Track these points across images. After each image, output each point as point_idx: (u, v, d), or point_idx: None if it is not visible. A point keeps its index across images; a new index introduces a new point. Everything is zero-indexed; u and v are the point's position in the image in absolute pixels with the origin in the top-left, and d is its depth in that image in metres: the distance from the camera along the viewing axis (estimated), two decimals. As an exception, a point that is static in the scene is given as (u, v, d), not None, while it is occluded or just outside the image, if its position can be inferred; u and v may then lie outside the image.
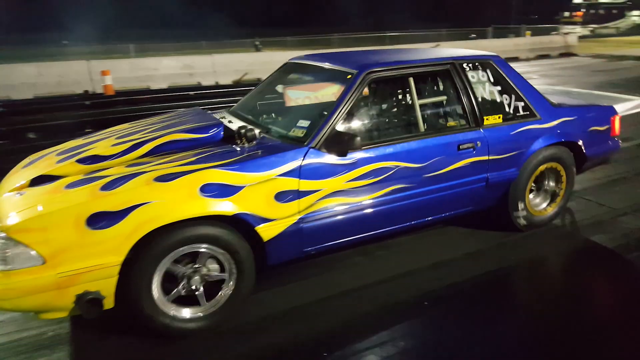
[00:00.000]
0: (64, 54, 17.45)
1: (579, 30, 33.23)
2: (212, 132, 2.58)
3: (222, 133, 2.59)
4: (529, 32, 22.48)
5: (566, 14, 47.34)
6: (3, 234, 1.95)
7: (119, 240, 2.01)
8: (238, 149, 2.42)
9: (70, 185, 2.16)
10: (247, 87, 6.86)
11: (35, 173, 2.37)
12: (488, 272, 2.77)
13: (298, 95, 2.93)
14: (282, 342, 2.24)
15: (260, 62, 13.81)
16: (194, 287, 2.25)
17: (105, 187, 2.09)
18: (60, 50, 19.81)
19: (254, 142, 2.47)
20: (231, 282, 2.32)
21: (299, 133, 2.53)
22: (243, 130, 2.45)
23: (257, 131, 2.49)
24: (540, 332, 2.28)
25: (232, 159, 2.29)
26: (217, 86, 12.20)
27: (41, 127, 5.57)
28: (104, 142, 2.62)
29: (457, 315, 2.41)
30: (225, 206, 2.19)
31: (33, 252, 1.92)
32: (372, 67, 2.64)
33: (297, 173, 2.35)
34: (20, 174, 2.49)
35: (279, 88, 3.22)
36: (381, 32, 23.53)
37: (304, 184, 2.37)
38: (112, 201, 2.02)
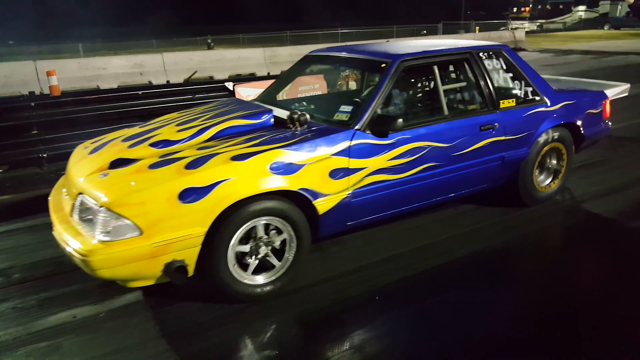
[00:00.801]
0: (10, 54, 16.86)
1: (527, 25, 35.72)
2: (264, 118, 3.01)
3: (272, 119, 3.00)
4: (477, 28, 24.04)
5: (514, 9, 50.61)
6: (103, 208, 2.31)
7: (205, 213, 2.41)
8: (293, 132, 2.86)
9: (153, 166, 2.55)
10: (199, 86, 7.19)
11: (110, 156, 2.74)
12: (436, 266, 3.07)
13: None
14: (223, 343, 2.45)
15: (212, 60, 14.17)
16: (261, 256, 2.69)
17: (189, 166, 2.49)
18: (6, 50, 19.07)
19: (305, 126, 2.88)
20: (292, 252, 2.78)
21: (344, 117, 2.98)
22: (296, 116, 2.88)
23: (308, 116, 2.90)
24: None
25: (293, 140, 2.74)
26: (168, 85, 12.30)
27: None
28: (167, 129, 3.02)
29: (411, 309, 2.67)
30: (289, 182, 2.64)
31: (132, 224, 2.30)
32: (404, 57, 3.16)
33: (347, 152, 2.82)
34: (92, 158, 2.83)
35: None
36: (333, 29, 24.19)
37: (353, 162, 2.85)
38: (199, 178, 2.42)
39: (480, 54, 3.49)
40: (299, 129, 2.88)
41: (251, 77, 12.58)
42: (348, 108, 3.04)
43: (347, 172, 2.82)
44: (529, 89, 3.61)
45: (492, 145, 3.40)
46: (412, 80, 3.58)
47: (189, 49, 18.44)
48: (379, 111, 2.97)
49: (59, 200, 2.84)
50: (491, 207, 3.88)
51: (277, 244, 2.72)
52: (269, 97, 3.83)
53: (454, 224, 3.66)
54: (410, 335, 2.46)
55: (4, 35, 24.78)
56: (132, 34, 22.83)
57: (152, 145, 2.78)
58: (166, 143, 2.78)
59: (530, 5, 49.80)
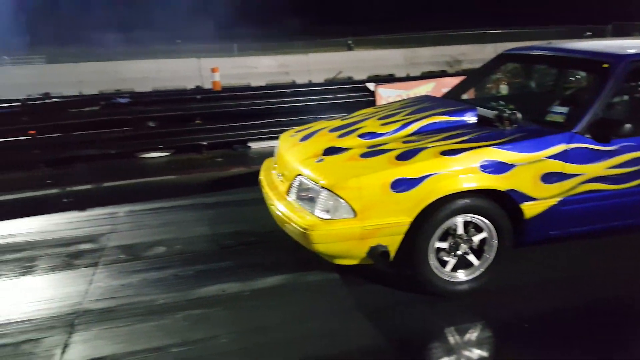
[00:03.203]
0: (177, 52, 19.49)
1: None
2: (468, 116, 3.08)
3: (476, 117, 3.07)
4: (661, 30, 21.11)
5: None
6: (325, 189, 2.60)
7: (412, 204, 2.56)
8: (501, 131, 2.87)
9: (364, 155, 2.78)
10: (340, 86, 7.58)
11: (323, 144, 3.05)
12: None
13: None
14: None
15: (351, 61, 14.94)
16: (460, 253, 2.76)
17: (400, 157, 2.66)
18: (174, 48, 22.11)
19: (515, 125, 2.88)
20: (491, 252, 2.81)
21: (559, 118, 2.92)
22: (507, 114, 2.88)
23: (519, 115, 2.87)
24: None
25: (504, 139, 2.75)
26: (312, 84, 12.97)
27: (158, 117, 6.53)
28: (370, 122, 3.27)
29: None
30: (499, 182, 2.65)
31: (349, 206, 2.55)
32: (632, 57, 3.00)
33: (563, 156, 2.75)
34: (305, 145, 3.19)
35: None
36: (481, 29, 23.35)
37: (568, 168, 2.76)
38: (411, 169, 2.58)
39: None
40: (508, 128, 2.88)
41: (390, 78, 12.78)
42: (563, 109, 2.96)
43: (561, 177, 2.74)
44: None
45: None
46: (637, 83, 3.34)
47: (330, 49, 19.38)
48: (600, 114, 2.83)
49: (271, 180, 3.25)
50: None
51: (475, 242, 2.76)
52: (455, 96, 3.88)
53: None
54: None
55: (173, 35, 28.70)
56: (279, 35, 24.78)
57: (360, 136, 3.03)
58: (373, 135, 3.01)
59: None
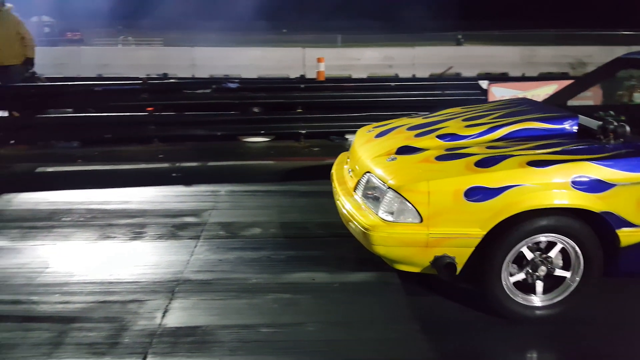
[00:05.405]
0: (282, 41, 20.43)
1: None
2: (567, 124, 2.88)
3: (576, 126, 2.87)
4: None
5: None
6: (391, 190, 2.56)
7: (488, 215, 2.44)
8: (602, 144, 2.65)
9: (440, 158, 2.69)
10: (447, 82, 7.29)
11: (397, 143, 2.99)
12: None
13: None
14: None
15: (459, 57, 14.41)
16: (538, 275, 2.59)
17: (480, 164, 2.53)
18: (279, 38, 23.22)
19: (622, 139, 2.65)
20: (576, 278, 2.60)
21: (675, 136, 2.62)
22: (612, 126, 2.66)
23: (627, 128, 2.66)
24: None
25: (605, 155, 2.52)
26: (417, 79, 12.68)
27: (262, 104, 6.90)
28: (453, 123, 3.15)
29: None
30: (593, 202, 2.44)
31: (415, 210, 2.48)
32: None
33: None
34: (379, 142, 3.15)
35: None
36: (611, 30, 21.48)
37: None
38: (491, 178, 2.45)
39: None
40: (611, 142, 2.65)
41: (505, 77, 12.16)
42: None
43: None
44: None
45: None
46: None
47: (437, 43, 18.94)
48: None
49: (342, 175, 3.28)
50: None
51: (559, 265, 2.59)
52: (559, 101, 3.62)
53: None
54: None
55: (278, 24, 30.04)
56: (385, 27, 24.82)
57: (439, 137, 2.93)
58: (453, 137, 2.90)
59: None
